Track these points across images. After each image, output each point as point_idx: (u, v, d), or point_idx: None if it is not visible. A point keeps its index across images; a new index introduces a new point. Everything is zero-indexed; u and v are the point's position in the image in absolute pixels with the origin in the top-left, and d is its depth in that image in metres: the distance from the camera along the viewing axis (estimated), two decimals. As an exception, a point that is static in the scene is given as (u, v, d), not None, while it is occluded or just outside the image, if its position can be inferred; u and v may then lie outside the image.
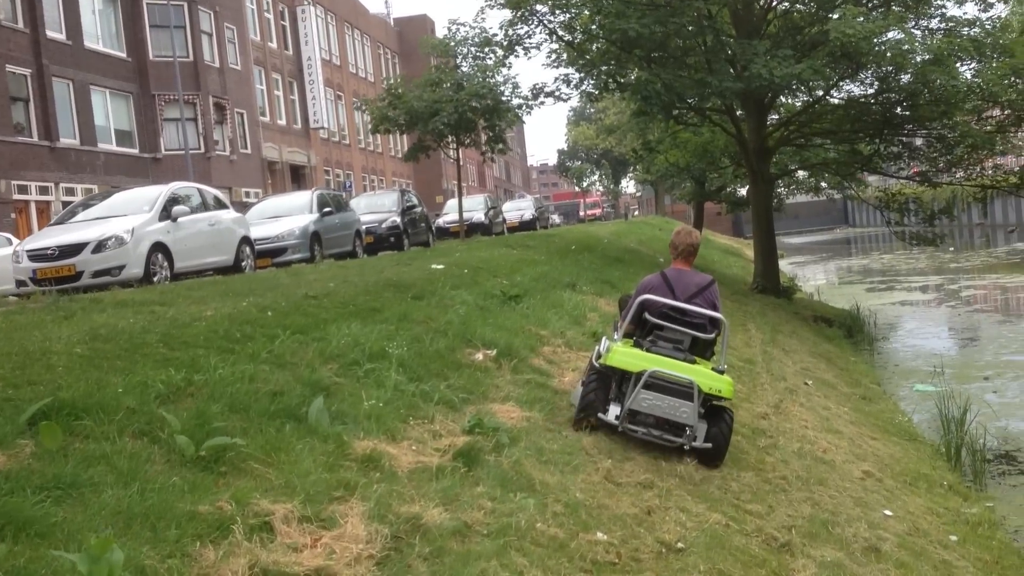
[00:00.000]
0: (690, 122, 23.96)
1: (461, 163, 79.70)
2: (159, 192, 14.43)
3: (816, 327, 19.61)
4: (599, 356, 6.83)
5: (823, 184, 37.40)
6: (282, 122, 46.71)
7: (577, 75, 20.16)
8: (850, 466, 7.94)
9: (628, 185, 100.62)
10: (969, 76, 20.26)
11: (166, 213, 14.02)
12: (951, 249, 30.50)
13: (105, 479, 3.69)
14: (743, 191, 42.22)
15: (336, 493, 4.11)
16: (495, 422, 5.81)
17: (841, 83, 21.98)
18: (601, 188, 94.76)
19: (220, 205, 16.52)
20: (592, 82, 20.23)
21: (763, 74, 16.38)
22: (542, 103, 22.20)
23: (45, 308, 7.71)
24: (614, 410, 6.55)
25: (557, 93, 20.94)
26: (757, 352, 12.79)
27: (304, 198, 20.22)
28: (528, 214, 40.96)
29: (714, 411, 6.63)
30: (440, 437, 5.39)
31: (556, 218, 77.69)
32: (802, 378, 12.11)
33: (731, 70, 18.51)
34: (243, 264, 15.90)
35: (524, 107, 27.46)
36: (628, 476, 5.79)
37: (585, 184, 76.78)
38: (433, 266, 12.04)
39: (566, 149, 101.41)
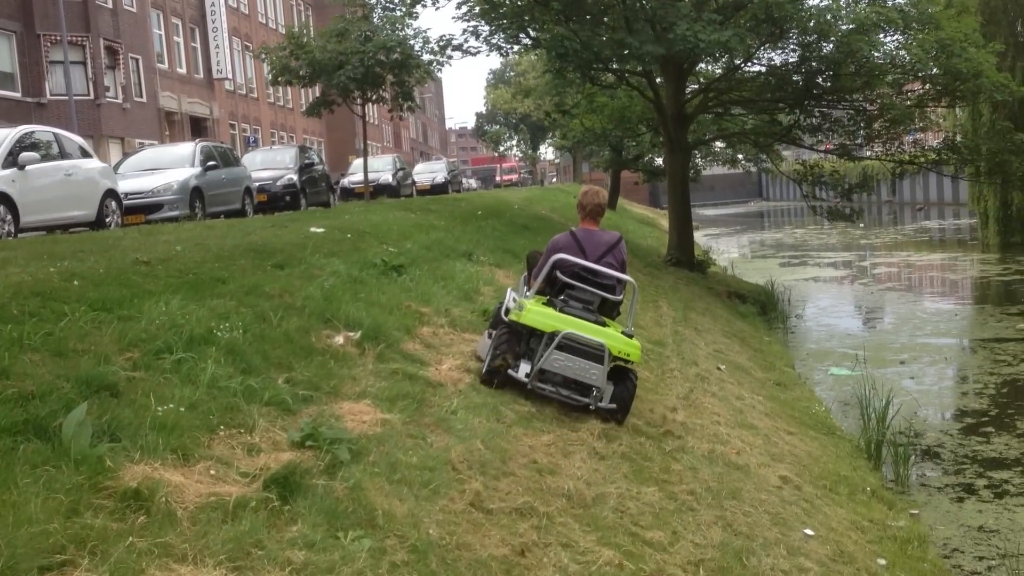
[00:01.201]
0: (607, 84, 22.85)
1: (375, 123, 77.78)
2: (4, 136, 12.66)
3: (730, 304, 18.85)
4: (507, 311, 6.95)
5: (739, 156, 36.99)
6: (182, 70, 44.08)
7: (487, 27, 18.74)
8: (766, 471, 6.97)
9: (547, 151, 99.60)
10: (892, 47, 19.65)
11: (12, 159, 12.30)
12: (861, 225, 30.37)
13: None
14: (660, 160, 41.62)
15: (59, 556, 2.85)
16: (337, 430, 4.60)
17: (762, 50, 21.16)
18: (519, 153, 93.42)
19: (84, 154, 14.79)
20: (503, 35, 18.86)
21: (688, 37, 15.29)
22: (450, 57, 20.77)
23: None
24: (524, 367, 6.62)
25: (465, 47, 19.53)
26: (668, 332, 11.83)
27: (186, 150, 18.50)
28: (440, 177, 39.54)
29: (619, 371, 6.71)
30: (257, 454, 4.16)
31: (473, 183, 76.27)
32: (715, 362, 11.19)
33: (651, 31, 17.43)
34: (107, 220, 14.26)
35: (435, 63, 26.12)
36: (502, 499, 4.65)
37: (502, 149, 75.25)
38: (312, 229, 10.70)
39: (485, 113, 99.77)
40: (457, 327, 7.89)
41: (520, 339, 6.72)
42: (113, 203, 14.65)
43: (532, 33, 18.69)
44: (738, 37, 15.80)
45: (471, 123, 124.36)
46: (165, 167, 17.59)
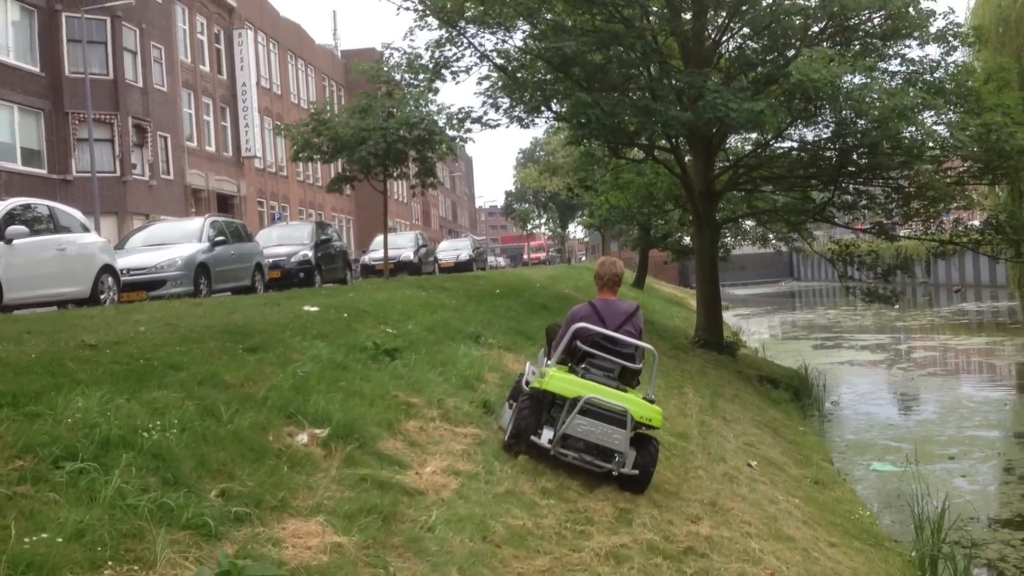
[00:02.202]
0: (633, 159, 22.17)
1: (403, 200, 78.24)
2: (-6, 208, 12.06)
3: (761, 389, 17.75)
4: (527, 381, 7.20)
5: (770, 235, 36.11)
6: (211, 149, 44.24)
7: (507, 99, 18.17)
8: (806, 598, 5.92)
9: (576, 230, 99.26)
10: (931, 123, 18.81)
11: (-1, 233, 11.69)
12: (896, 307, 29.17)
13: None
14: (689, 239, 40.81)
15: None
16: (265, 564, 3.68)
17: (794, 126, 20.43)
18: (548, 232, 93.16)
19: (84, 229, 14.23)
20: (523, 106, 18.23)
21: (718, 105, 14.54)
22: (468, 130, 20.25)
23: None
24: (547, 434, 6.68)
25: (484, 119, 18.97)
26: (693, 423, 10.80)
27: (194, 225, 17.95)
28: (465, 254, 38.93)
29: (641, 439, 6.78)
30: (148, 602, 3.24)
31: (501, 260, 75.92)
32: (744, 456, 10.13)
33: (678, 102, 16.77)
34: (102, 296, 13.58)
35: (458, 139, 25.69)
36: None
37: (530, 227, 74.96)
38: (306, 307, 9.89)
39: (514, 191, 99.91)
40: (450, 420, 6.98)
41: (543, 407, 6.83)
42: (110, 279, 14.00)
43: (554, 106, 18.05)
44: (771, 109, 15.02)
45: (501, 201, 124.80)
46: (172, 242, 17.05)
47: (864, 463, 13.06)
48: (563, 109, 17.58)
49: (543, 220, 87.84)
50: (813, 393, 18.60)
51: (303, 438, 5.38)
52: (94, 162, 31.03)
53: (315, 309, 9.82)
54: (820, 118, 18.61)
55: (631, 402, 6.66)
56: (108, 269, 13.96)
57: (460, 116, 19.55)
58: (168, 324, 7.67)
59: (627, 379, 7.13)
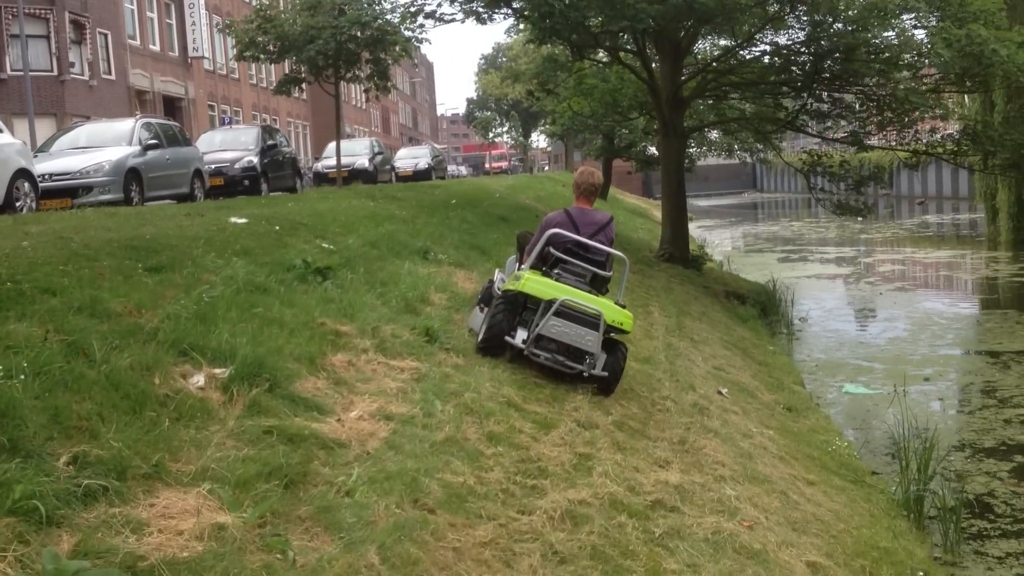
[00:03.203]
0: (598, 61, 20.93)
1: (362, 107, 75.84)
2: None
3: (728, 305, 17.05)
4: (497, 287, 7.35)
5: (735, 146, 35.21)
6: (155, 47, 41.94)
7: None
8: (789, 555, 5.18)
9: (539, 139, 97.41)
10: (908, 27, 17.80)
11: None
12: (864, 219, 28.58)
13: None
14: (653, 149, 39.77)
15: None
16: (112, 565, 2.78)
17: (766, 32, 19.29)
18: (510, 141, 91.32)
19: (-5, 129, 12.94)
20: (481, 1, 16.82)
21: None
22: (422, 26, 18.84)
23: None
24: (520, 334, 6.84)
25: (438, 13, 17.56)
26: (660, 346, 10.01)
27: (124, 127, 16.58)
28: (423, 163, 37.58)
29: (610, 343, 6.95)
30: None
31: (463, 170, 74.28)
32: (714, 382, 9.39)
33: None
34: (17, 204, 12.38)
35: (413, 39, 24.25)
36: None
37: (492, 136, 73.18)
38: (232, 219, 8.85)
39: (476, 99, 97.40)
40: (386, 351, 6.07)
41: (517, 309, 6.95)
42: (26, 185, 12.77)
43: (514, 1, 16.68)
44: None
45: (463, 109, 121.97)
46: (101, 146, 15.74)
47: (836, 385, 12.44)
48: (523, 3, 16.23)
49: (505, 129, 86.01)
50: (780, 309, 17.98)
51: (198, 380, 4.45)
52: (27, 59, 29.05)
53: (243, 221, 8.78)
54: (794, 15, 17.44)
55: (604, 306, 6.86)
56: (24, 174, 12.72)
57: (413, 10, 18.07)
58: (61, 238, 6.62)
59: (597, 286, 7.28)
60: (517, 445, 5.31)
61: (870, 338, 15.78)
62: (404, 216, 12.48)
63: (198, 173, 17.75)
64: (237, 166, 20.13)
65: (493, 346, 6.84)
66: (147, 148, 15.87)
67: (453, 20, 17.30)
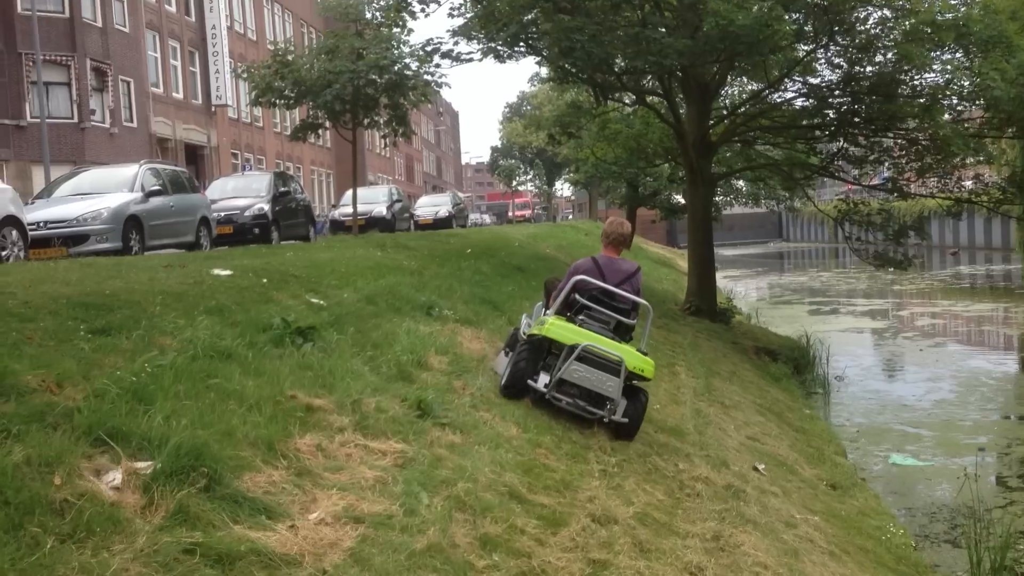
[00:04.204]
0: (622, 102, 20.16)
1: (386, 155, 75.56)
2: None
3: (759, 363, 16.00)
4: (523, 332, 7.39)
5: (761, 194, 34.37)
6: (178, 95, 41.80)
7: (481, 32, 16.05)
8: None
9: (563, 188, 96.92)
10: (951, 68, 16.90)
11: None
12: (890, 270, 27.45)
13: None
14: (679, 197, 38.94)
15: None
16: None
17: (798, 68, 18.43)
18: (534, 189, 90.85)
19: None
20: (499, 38, 16.06)
21: (720, 11, 12.45)
22: (438, 66, 18.13)
23: None
24: (543, 379, 6.88)
25: (454, 53, 16.88)
26: (688, 412, 9.03)
27: (127, 172, 15.93)
28: (444, 211, 36.84)
29: (632, 390, 7.00)
30: None
31: (487, 218, 73.69)
32: (750, 455, 8.39)
33: (673, 29, 14.69)
34: (3, 253, 11.66)
35: (432, 83, 23.68)
36: None
37: (515, 184, 72.65)
38: (216, 272, 8.01)
39: (500, 147, 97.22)
40: (367, 430, 5.15)
41: (540, 353, 7.03)
42: (14, 232, 12.06)
43: (535, 32, 15.83)
44: (779, 17, 12.90)
45: (487, 158, 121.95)
46: (102, 192, 15.09)
47: (881, 454, 11.36)
48: (543, 42, 15.47)
49: (529, 177, 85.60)
50: (815, 367, 16.89)
51: (114, 478, 3.55)
52: (44, 105, 28.79)
53: (227, 273, 7.95)
54: (832, 44, 16.50)
55: (626, 352, 6.89)
56: (12, 221, 12.02)
57: (428, 49, 17.37)
58: (4, 293, 5.79)
59: (621, 334, 7.26)
60: (517, 552, 4.36)
61: (914, 400, 14.65)
62: (412, 267, 11.62)
63: (204, 221, 17.05)
64: (247, 214, 19.45)
65: (516, 389, 6.87)
66: (150, 195, 15.19)
67: (471, 59, 16.60)
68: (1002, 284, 36.47)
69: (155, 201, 15.30)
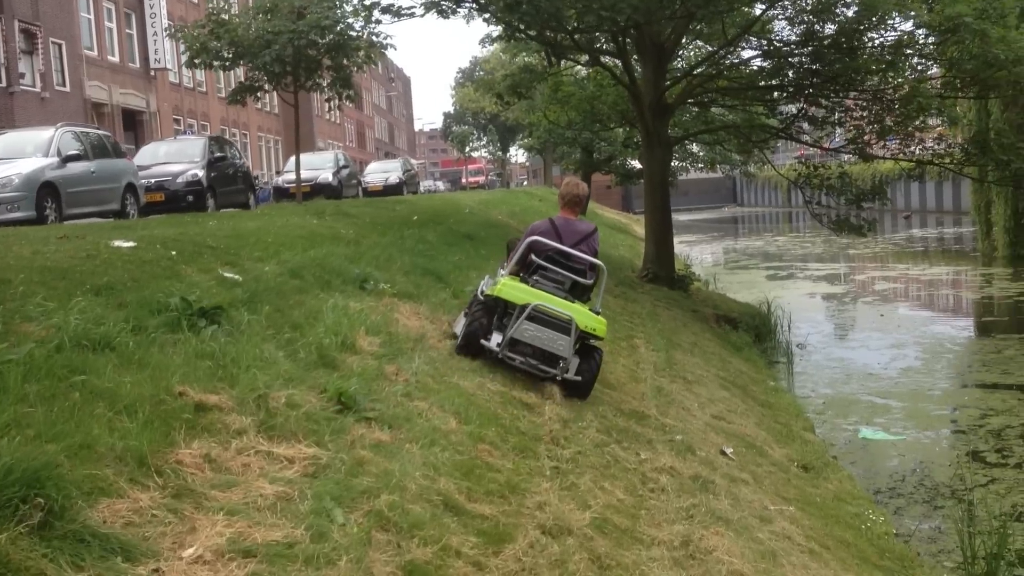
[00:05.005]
0: (576, 61, 19.28)
1: (336, 121, 73.87)
2: None
3: (720, 331, 15.38)
4: (479, 293, 7.40)
5: (717, 159, 33.85)
6: (114, 58, 40.00)
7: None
8: None
9: (517, 154, 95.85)
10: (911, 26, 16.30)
11: None
12: (846, 234, 27.01)
13: None
14: (634, 162, 38.26)
15: None
16: None
17: (757, 24, 17.67)
18: (488, 155, 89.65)
19: None
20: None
21: None
22: (378, 21, 17.07)
23: None
24: (496, 338, 6.94)
25: (394, 7, 15.83)
26: (648, 390, 8.30)
27: (42, 136, 14.77)
28: (394, 177, 35.78)
29: (586, 349, 7.08)
30: None
31: (440, 185, 72.54)
32: (716, 437, 7.70)
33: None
34: None
35: (377, 44, 22.62)
36: None
37: (468, 150, 71.51)
38: (116, 243, 7.06)
39: (453, 113, 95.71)
40: (273, 432, 4.30)
41: (494, 313, 7.07)
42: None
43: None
44: None
45: (441, 124, 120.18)
46: (16, 157, 13.95)
47: (850, 428, 10.77)
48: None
49: (483, 143, 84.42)
50: (776, 335, 16.33)
51: (-92, 519, 2.69)
52: (-33, 69, 27.16)
53: (129, 245, 7.00)
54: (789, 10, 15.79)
55: (576, 311, 6.90)
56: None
57: (368, 3, 16.31)
58: None
59: (578, 294, 7.28)
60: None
61: (879, 368, 14.12)
62: (349, 236, 10.72)
63: (131, 188, 15.96)
64: (180, 180, 18.33)
65: (470, 349, 6.89)
66: (67, 160, 14.09)
67: (412, 14, 15.59)
68: (955, 247, 36.40)
69: (74, 167, 14.20)
